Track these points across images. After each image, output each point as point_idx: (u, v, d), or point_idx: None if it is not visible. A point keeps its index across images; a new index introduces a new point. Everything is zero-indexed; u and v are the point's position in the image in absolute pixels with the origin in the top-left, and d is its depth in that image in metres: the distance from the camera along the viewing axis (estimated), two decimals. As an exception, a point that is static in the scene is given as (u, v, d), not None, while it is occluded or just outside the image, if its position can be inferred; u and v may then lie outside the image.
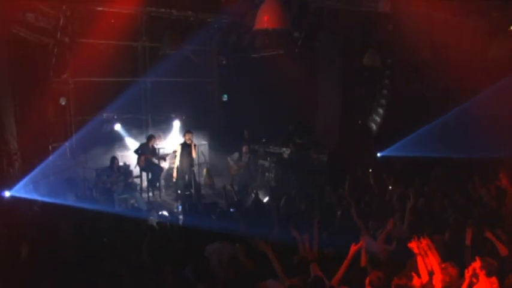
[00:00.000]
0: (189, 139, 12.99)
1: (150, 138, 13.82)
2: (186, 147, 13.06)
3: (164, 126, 15.71)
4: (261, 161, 15.39)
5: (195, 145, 13.07)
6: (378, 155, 14.13)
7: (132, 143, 14.72)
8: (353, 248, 5.62)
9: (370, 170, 12.01)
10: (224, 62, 17.43)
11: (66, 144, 13.75)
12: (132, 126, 15.26)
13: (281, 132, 16.31)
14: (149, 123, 15.89)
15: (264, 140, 16.16)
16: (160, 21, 13.07)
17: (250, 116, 16.84)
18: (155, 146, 13.97)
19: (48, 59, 13.23)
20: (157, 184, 13.88)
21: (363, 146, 14.18)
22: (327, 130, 15.38)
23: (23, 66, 11.69)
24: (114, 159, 13.02)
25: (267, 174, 15.06)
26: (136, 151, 13.69)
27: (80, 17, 12.96)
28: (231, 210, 9.18)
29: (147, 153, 13.61)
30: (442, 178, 11.28)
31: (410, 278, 5.07)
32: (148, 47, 15.58)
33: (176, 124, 15.87)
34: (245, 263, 6.25)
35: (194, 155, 13.13)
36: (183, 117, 16.01)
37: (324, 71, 15.58)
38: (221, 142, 16.16)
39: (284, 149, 15.25)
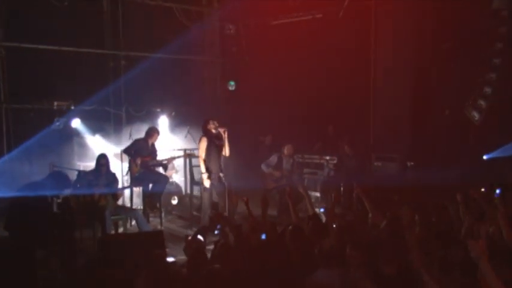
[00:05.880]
0: (215, 128, 8.71)
1: (151, 132, 9.68)
2: (213, 140, 8.73)
3: (145, 124, 11.05)
4: (307, 169, 11.59)
5: (224, 131, 8.70)
6: (484, 157, 9.98)
7: (100, 146, 10.68)
8: None
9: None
10: (231, 31, 13.39)
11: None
12: (98, 123, 11.50)
13: (314, 134, 12.71)
14: (123, 120, 12.08)
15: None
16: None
17: (268, 112, 12.93)
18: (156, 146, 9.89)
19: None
20: (158, 204, 9.50)
21: (457, 146, 10.49)
22: (391, 128, 11.51)
23: None
24: (102, 159, 8.45)
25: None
26: (127, 150, 9.49)
27: None
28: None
29: (145, 155, 9.36)
30: None
31: None
32: (121, 3, 11.77)
33: (163, 122, 11.79)
34: None
35: (227, 151, 8.75)
36: (172, 113, 12.09)
37: (383, 40, 11.63)
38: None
39: (328, 157, 11.43)
